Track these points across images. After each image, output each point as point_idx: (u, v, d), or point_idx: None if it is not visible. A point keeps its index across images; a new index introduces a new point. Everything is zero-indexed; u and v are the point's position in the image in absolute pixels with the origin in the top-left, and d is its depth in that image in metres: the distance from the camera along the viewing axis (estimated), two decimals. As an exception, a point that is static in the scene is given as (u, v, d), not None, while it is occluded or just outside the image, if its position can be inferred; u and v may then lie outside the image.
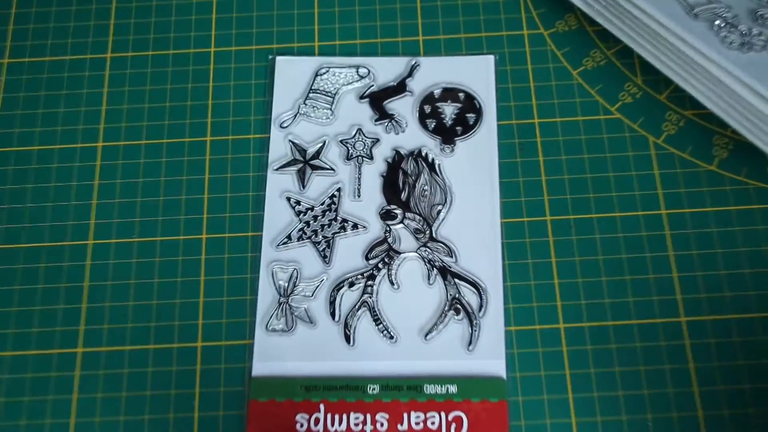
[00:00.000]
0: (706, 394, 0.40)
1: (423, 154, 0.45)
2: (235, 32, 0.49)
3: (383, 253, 0.43)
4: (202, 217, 0.44)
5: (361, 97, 0.46)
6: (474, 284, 0.42)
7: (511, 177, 0.44)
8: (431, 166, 0.44)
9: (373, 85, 0.47)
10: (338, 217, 0.43)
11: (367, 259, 0.42)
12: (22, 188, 0.45)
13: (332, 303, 0.42)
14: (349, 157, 0.45)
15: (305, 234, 0.43)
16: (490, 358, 0.40)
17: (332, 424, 0.39)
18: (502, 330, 0.41)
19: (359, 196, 0.44)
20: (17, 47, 0.49)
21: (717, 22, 0.41)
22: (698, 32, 0.41)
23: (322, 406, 0.40)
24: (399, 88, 0.46)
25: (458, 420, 0.39)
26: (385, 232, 0.43)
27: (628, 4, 0.43)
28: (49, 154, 0.46)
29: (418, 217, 0.43)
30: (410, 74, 0.47)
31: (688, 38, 0.41)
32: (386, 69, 0.47)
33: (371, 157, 0.45)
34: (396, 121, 0.46)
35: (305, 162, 0.45)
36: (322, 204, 0.44)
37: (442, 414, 0.39)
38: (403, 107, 0.46)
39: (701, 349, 0.40)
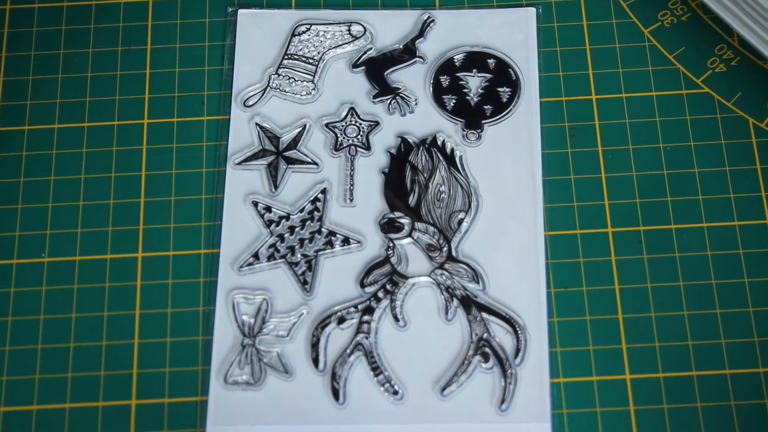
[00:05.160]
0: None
1: (439, 142, 0.47)
2: (183, -24, 0.51)
3: (385, 278, 0.44)
4: (138, 228, 0.46)
5: (355, 65, 0.48)
6: (508, 320, 0.43)
7: (560, 174, 0.46)
8: (450, 160, 0.46)
9: (370, 49, 0.49)
10: (323, 229, 0.45)
11: (362, 285, 0.44)
12: None
13: (315, 346, 0.43)
14: (338, 147, 0.47)
15: (278, 252, 0.45)
16: (530, 421, 0.42)
17: None
18: (547, 383, 0.43)
19: (352, 200, 0.46)
20: None
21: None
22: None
23: (301, 487, 0.42)
24: (406, 53, 0.48)
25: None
26: (387, 250, 0.45)
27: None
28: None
29: (431, 228, 0.45)
30: (422, 33, 0.49)
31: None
32: (389, 26, 0.49)
33: (368, 147, 0.47)
34: (402, 98, 0.48)
35: (278, 153, 0.47)
36: (302, 211, 0.46)
37: (465, 497, 0.41)
38: (413, 79, 0.48)
39: (819, 410, 0.42)
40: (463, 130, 0.47)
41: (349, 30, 0.49)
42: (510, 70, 0.48)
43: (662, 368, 0.43)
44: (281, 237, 0.45)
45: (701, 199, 0.46)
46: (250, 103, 0.48)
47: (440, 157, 0.46)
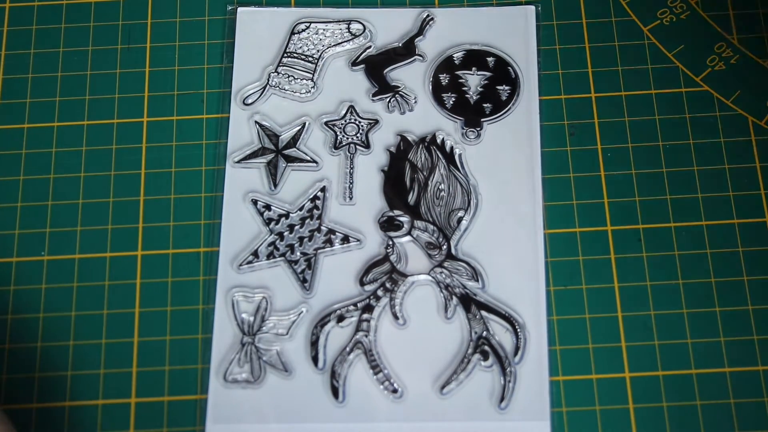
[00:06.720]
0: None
1: (438, 140, 0.47)
2: (182, -26, 0.51)
3: (384, 276, 0.45)
4: (137, 227, 0.46)
5: (354, 63, 0.49)
6: (508, 318, 0.44)
7: (559, 172, 0.47)
8: (449, 158, 0.47)
9: (370, 47, 0.49)
10: (322, 227, 0.46)
11: (362, 284, 0.45)
12: None
13: (314, 344, 0.44)
14: (337, 146, 0.47)
15: (278, 250, 0.45)
16: (529, 419, 0.42)
17: None
18: (546, 381, 0.43)
19: (351, 198, 0.46)
20: None
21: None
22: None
23: (300, 485, 0.42)
24: (406, 51, 0.49)
25: (486, 503, 0.42)
26: (386, 248, 0.45)
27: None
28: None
29: (431, 226, 0.45)
30: (421, 32, 0.49)
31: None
32: (388, 24, 0.49)
33: (367, 146, 0.47)
34: (402, 96, 0.48)
35: (278, 152, 0.47)
36: (301, 209, 0.46)
37: (465, 495, 0.42)
38: (412, 77, 0.48)
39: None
40: (463, 128, 0.47)
41: (348, 28, 0.49)
42: (509, 68, 0.48)
43: (661, 366, 0.43)
44: (281, 235, 0.45)
45: (700, 197, 0.46)
46: (250, 101, 0.48)
47: (439, 156, 0.46)
